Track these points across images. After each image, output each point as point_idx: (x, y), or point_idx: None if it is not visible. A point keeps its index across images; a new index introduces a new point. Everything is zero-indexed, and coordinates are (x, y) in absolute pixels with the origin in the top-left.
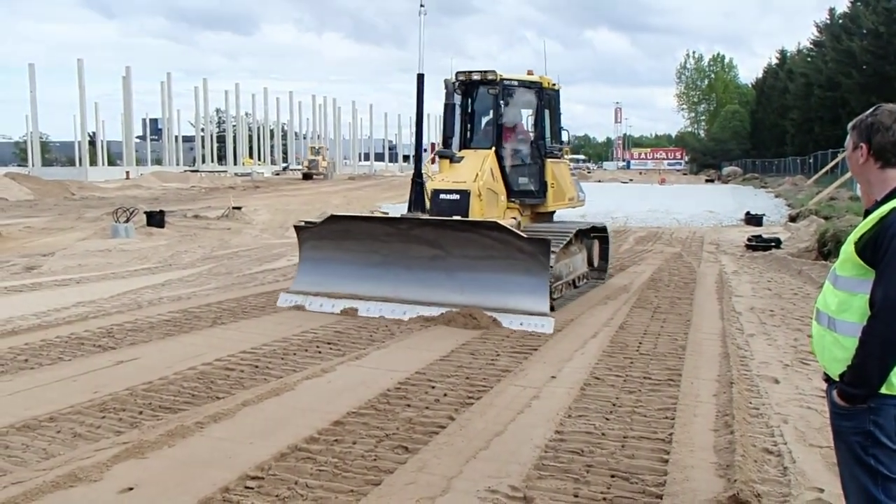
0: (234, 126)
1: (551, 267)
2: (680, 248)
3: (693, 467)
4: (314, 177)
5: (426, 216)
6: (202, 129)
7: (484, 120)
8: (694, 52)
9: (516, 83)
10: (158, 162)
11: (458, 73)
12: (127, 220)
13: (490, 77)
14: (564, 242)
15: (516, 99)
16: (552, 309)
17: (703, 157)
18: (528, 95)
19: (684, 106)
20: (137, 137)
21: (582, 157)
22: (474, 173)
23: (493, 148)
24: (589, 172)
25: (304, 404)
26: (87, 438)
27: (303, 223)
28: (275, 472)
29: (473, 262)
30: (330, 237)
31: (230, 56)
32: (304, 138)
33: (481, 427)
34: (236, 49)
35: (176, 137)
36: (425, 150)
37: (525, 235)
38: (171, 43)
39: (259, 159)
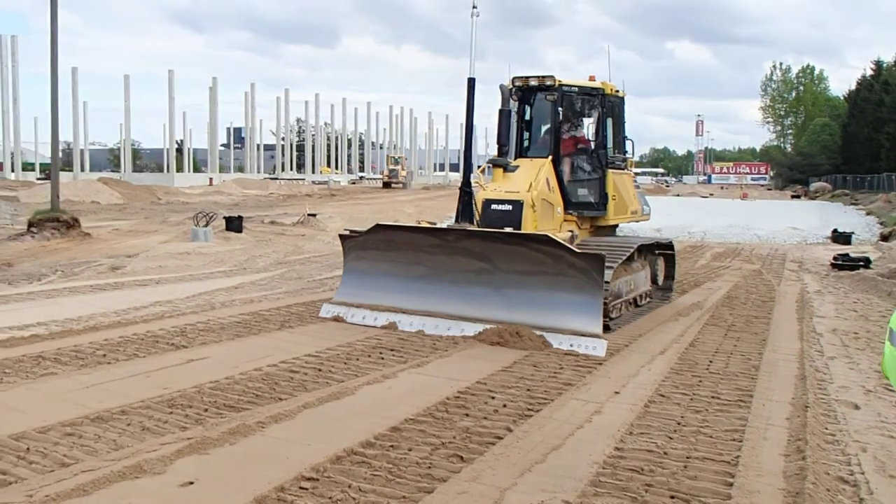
0: (313, 135)
1: (607, 284)
2: (760, 265)
3: (759, 492)
4: (393, 185)
5: (473, 227)
6: (283, 139)
7: (541, 128)
8: (781, 64)
9: (576, 89)
10: (241, 169)
11: (514, 79)
12: (206, 225)
13: (548, 82)
14: (623, 258)
15: (576, 106)
16: (607, 329)
17: (790, 172)
18: (589, 102)
19: (770, 119)
20: (222, 145)
21: (661, 170)
22: (528, 183)
23: (550, 157)
24: (667, 186)
25: (363, 409)
26: (154, 432)
27: (347, 232)
28: (329, 474)
29: (522, 277)
30: (374, 247)
31: (311, 67)
32: (381, 148)
33: (539, 440)
34: (317, 61)
35: (258, 146)
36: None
37: (578, 250)
38: (255, 55)
39: (336, 168)
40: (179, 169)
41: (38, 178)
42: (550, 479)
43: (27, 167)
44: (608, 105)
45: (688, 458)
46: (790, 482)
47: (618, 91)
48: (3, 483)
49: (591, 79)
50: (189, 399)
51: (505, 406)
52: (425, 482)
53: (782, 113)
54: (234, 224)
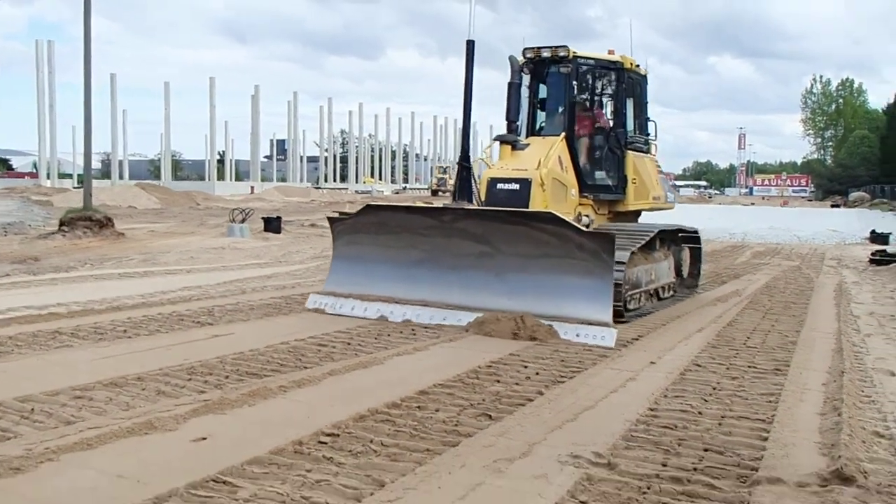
0: (356, 146)
1: (621, 268)
2: (799, 262)
3: (794, 445)
4: (440, 193)
5: (472, 206)
6: (326, 149)
7: (556, 107)
8: (821, 77)
9: (592, 62)
10: (283, 180)
11: (525, 50)
12: (243, 221)
13: (561, 53)
14: (641, 243)
15: (593, 80)
16: (620, 316)
17: (829, 184)
18: (606, 77)
19: (810, 131)
20: (264, 157)
21: (703, 183)
22: (538, 160)
23: (564, 134)
24: (709, 197)
25: (391, 377)
26: (169, 395)
27: (337, 214)
28: (351, 430)
29: (526, 260)
30: (365, 231)
31: (354, 80)
32: (425, 159)
33: (571, 402)
34: (361, 73)
35: (301, 157)
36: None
37: (587, 230)
38: (298, 67)
39: (380, 178)
40: (221, 178)
41: (73, 187)
42: (581, 436)
43: (64, 177)
44: (628, 81)
45: (722, 417)
46: (825, 436)
47: (637, 66)
48: (1, 438)
49: (611, 52)
50: (210, 367)
51: (538, 374)
52: (451, 437)
53: (822, 125)
54: (272, 225)
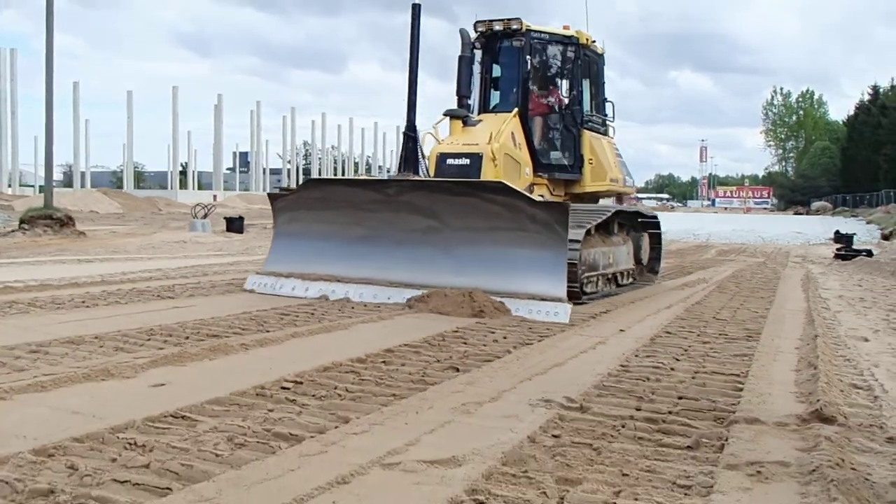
0: (319, 158)
1: (576, 245)
2: (764, 259)
3: (770, 394)
4: None
5: (418, 178)
6: (289, 161)
7: (510, 84)
8: (781, 89)
9: (546, 36)
10: (246, 191)
11: (476, 24)
12: (205, 216)
13: (514, 26)
14: (597, 222)
15: (547, 55)
16: (577, 298)
17: (791, 194)
18: (561, 52)
19: (771, 143)
20: (227, 169)
21: (665, 196)
22: (490, 135)
23: (517, 110)
24: (672, 208)
25: (355, 339)
26: (128, 351)
27: (277, 190)
28: (314, 379)
29: (475, 234)
30: (308, 207)
31: (318, 93)
32: (388, 172)
33: (539, 360)
34: (324, 86)
35: (263, 169)
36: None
37: (539, 199)
38: (261, 80)
39: None
40: (183, 188)
41: (35, 194)
42: (552, 385)
43: (25, 187)
44: (584, 58)
45: (696, 372)
46: (802, 387)
47: (593, 42)
48: None
49: (566, 28)
50: (170, 330)
51: (505, 338)
52: (418, 386)
53: (783, 137)
54: (235, 225)
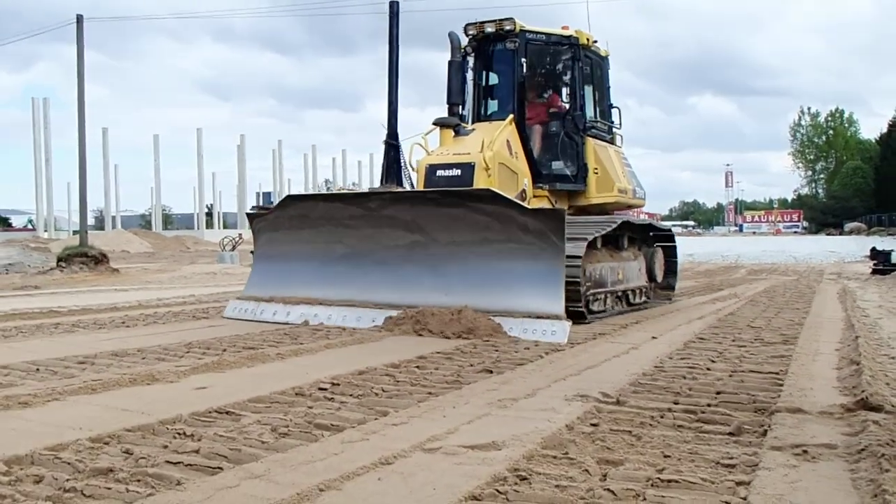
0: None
1: (576, 258)
2: (797, 277)
3: (812, 389)
4: None
5: (400, 189)
6: None
7: (504, 86)
8: (809, 109)
9: (543, 37)
10: None
11: (467, 27)
12: (233, 248)
13: (507, 27)
14: (601, 233)
15: (545, 58)
16: (582, 318)
17: (823, 217)
18: (560, 54)
19: (800, 164)
20: (252, 208)
21: (691, 223)
22: (482, 143)
23: (513, 117)
24: (699, 234)
25: (388, 348)
26: (169, 361)
27: (254, 209)
28: (351, 381)
29: (463, 248)
30: (287, 226)
31: (337, 132)
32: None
33: (573, 362)
34: (342, 125)
35: None
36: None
37: (532, 208)
38: (280, 122)
39: None
40: (209, 228)
41: (69, 237)
42: (586, 384)
43: (60, 231)
44: (584, 59)
45: (733, 371)
46: (844, 382)
47: (595, 42)
48: (8, 384)
49: (565, 28)
50: (207, 343)
51: (537, 344)
52: (453, 385)
53: (812, 158)
54: None
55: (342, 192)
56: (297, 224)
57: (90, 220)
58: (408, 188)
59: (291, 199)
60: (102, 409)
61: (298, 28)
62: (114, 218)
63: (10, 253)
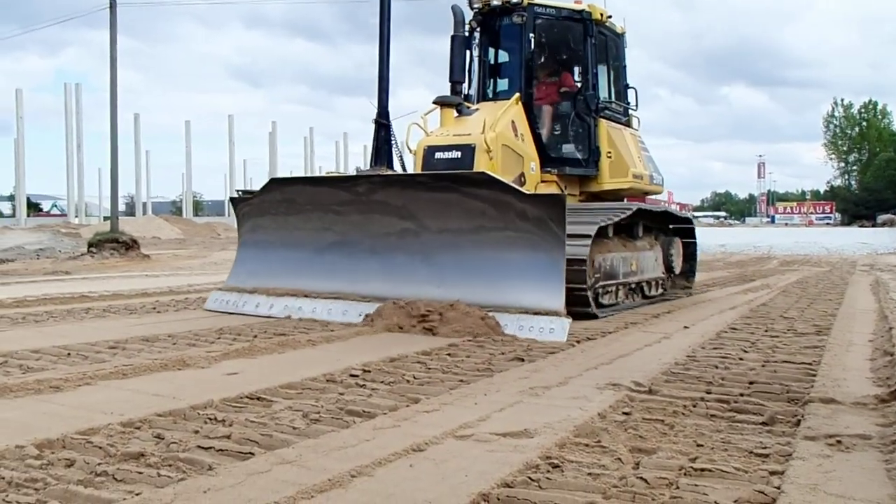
0: None
1: (584, 246)
2: (829, 268)
3: (845, 379)
4: None
5: (390, 172)
6: None
7: (511, 63)
8: (842, 100)
9: (553, 11)
10: None
11: (471, 0)
12: None
13: (514, 0)
14: (611, 221)
15: (555, 33)
16: (590, 310)
17: (856, 208)
18: (571, 30)
19: (833, 156)
20: (236, 191)
21: (723, 213)
22: (483, 123)
23: (518, 96)
24: (730, 226)
25: (420, 339)
26: (200, 346)
27: (239, 193)
28: (382, 368)
29: (457, 236)
30: (273, 211)
31: (367, 120)
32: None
33: (604, 351)
34: (373, 113)
35: None
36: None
37: (528, 192)
38: (311, 109)
39: None
40: None
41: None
42: (618, 373)
43: (90, 217)
44: (598, 37)
45: (766, 361)
46: (878, 373)
47: (609, 17)
48: (39, 368)
49: (577, 2)
50: (238, 330)
51: (570, 333)
52: (484, 373)
53: (846, 149)
54: None
55: (330, 174)
56: (283, 209)
57: (121, 206)
58: (399, 171)
59: (276, 183)
60: (133, 393)
61: (330, 15)
62: (144, 204)
63: (41, 238)
